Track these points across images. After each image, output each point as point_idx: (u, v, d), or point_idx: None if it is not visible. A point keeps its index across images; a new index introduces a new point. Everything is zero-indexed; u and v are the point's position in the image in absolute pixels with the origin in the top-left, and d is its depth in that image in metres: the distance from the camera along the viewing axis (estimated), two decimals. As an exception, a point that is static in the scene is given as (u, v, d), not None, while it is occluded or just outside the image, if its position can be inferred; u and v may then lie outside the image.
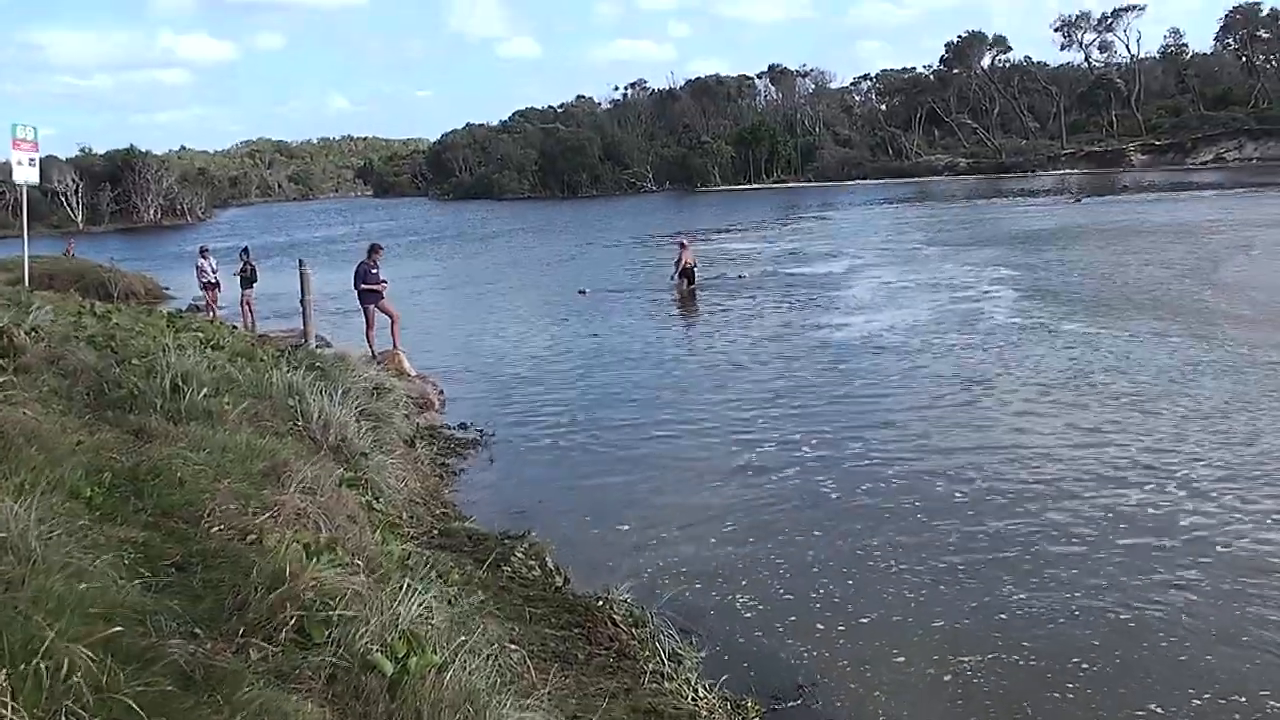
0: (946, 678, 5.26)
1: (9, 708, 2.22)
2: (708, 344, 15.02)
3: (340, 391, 8.29)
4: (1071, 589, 6.20)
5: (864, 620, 5.91)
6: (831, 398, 11.30)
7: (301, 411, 7.23)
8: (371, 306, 13.59)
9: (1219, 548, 6.71)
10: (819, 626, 5.87)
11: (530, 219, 57.05)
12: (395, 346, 13.68)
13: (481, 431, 10.62)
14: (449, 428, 10.81)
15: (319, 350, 11.23)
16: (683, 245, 21.54)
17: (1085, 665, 5.37)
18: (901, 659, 5.46)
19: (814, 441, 9.73)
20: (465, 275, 28.15)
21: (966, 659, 5.43)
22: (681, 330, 16.84)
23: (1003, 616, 5.93)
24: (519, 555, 6.44)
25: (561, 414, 11.35)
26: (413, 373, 12.70)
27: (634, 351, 14.68)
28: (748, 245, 31.82)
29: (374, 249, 13.74)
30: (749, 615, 6.01)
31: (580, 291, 21.74)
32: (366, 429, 8.08)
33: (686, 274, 21.05)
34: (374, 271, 13.50)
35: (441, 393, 12.21)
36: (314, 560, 3.61)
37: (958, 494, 7.96)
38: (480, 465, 9.43)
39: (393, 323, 13.75)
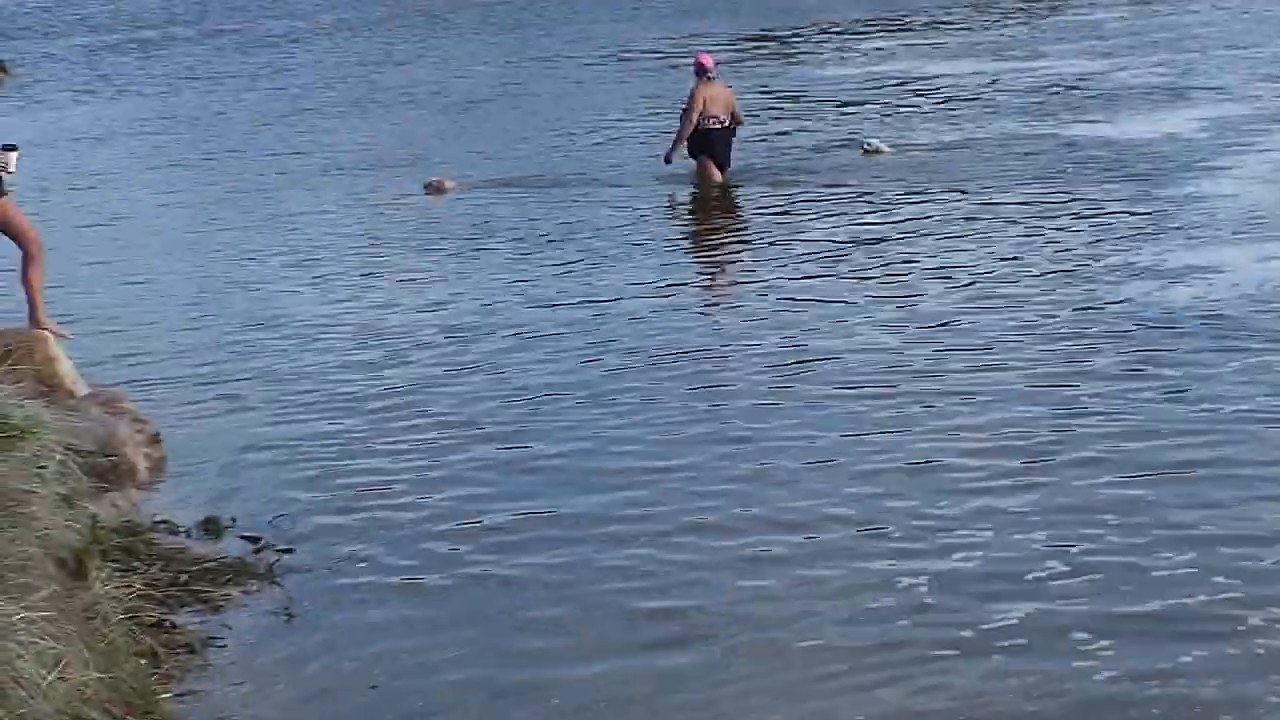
0: None
1: None
2: (805, 331, 10.41)
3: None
4: None
5: None
6: (1137, 465, 7.78)
7: None
8: None
9: None
10: None
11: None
12: (36, 317, 10.43)
13: (258, 540, 7.68)
14: (175, 529, 7.91)
15: None
16: (702, 68, 14.93)
17: None
18: None
19: (1085, 573, 6.57)
20: (210, 133, 20.72)
21: None
22: (724, 290, 12.17)
23: None
24: None
25: (451, 493, 8.20)
26: (80, 388, 9.73)
27: (618, 336, 10.68)
28: (946, 64, 22.97)
29: None
30: None
31: (428, 187, 15.62)
32: (-40, 534, 6.37)
33: (710, 141, 14.78)
34: None
35: (156, 437, 9.15)
36: None
37: None
38: (255, 625, 6.86)
39: (26, 259, 10.53)
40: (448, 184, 15.13)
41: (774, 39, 27.92)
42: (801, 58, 25.45)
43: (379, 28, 32.83)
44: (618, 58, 26.58)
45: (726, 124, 14.46)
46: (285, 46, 30.05)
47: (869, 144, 15.73)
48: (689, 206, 14.64)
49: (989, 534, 7.09)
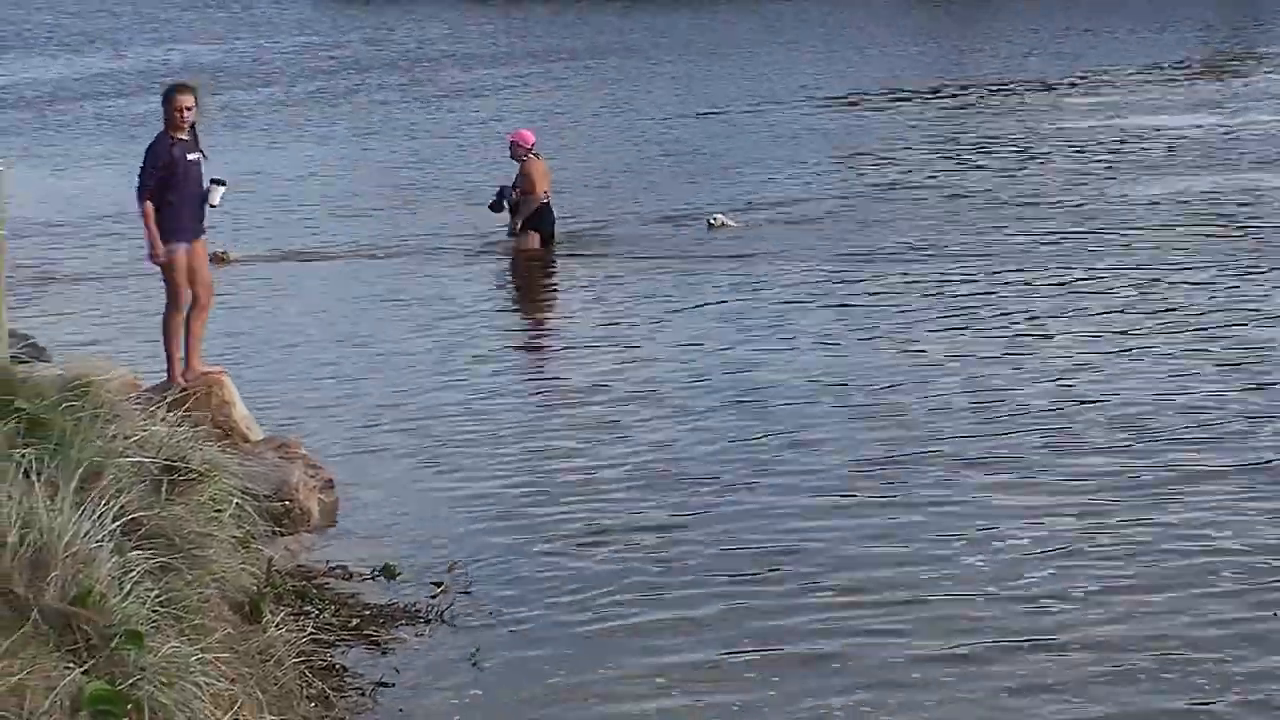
0: None
1: None
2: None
3: (75, 477, 6.19)
4: None
5: None
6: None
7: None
8: (182, 247, 9.62)
9: None
10: None
11: (565, 44, 38.02)
12: (189, 360, 10.00)
13: (437, 585, 7.71)
14: (347, 573, 7.96)
15: (20, 370, 8.02)
16: (519, 145, 15.70)
17: None
18: None
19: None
20: (406, 179, 20.88)
21: None
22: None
23: None
24: None
25: (626, 540, 8.22)
26: (256, 433, 9.83)
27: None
28: (1148, 114, 22.93)
29: (179, 99, 9.85)
30: None
31: (213, 258, 14.71)
32: (143, 573, 6.04)
33: (540, 215, 15.67)
34: (190, 159, 9.57)
35: (330, 483, 9.29)
36: None
37: None
38: (425, 669, 6.82)
39: (194, 305, 10.08)
40: (231, 255, 15.05)
41: (999, 73, 28.13)
42: (1060, 99, 25.32)
43: (587, 76, 32.12)
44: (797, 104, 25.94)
45: (548, 198, 15.28)
46: (493, 95, 29.49)
47: (714, 219, 16.09)
48: (509, 267, 15.28)
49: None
